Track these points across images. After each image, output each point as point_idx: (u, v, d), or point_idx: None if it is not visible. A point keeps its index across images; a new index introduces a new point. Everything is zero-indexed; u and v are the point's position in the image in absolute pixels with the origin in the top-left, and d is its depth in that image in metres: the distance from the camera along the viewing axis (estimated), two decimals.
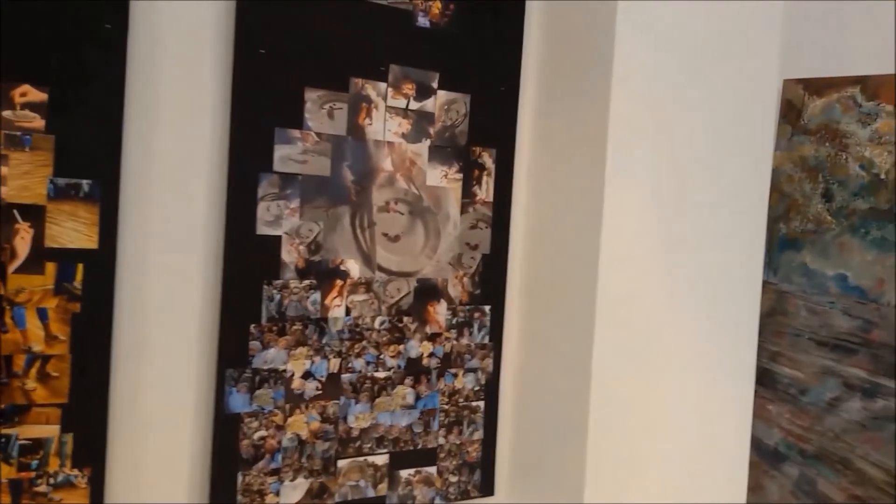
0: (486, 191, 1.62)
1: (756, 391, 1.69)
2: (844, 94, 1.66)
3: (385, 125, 1.51)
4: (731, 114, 1.61)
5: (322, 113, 1.44)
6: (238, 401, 1.38)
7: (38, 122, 1.21)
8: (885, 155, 1.60)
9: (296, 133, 1.41)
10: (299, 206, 1.42)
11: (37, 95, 1.21)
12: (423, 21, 1.53)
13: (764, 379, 1.74)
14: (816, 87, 1.69)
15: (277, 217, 1.39)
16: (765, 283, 1.69)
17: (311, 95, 1.43)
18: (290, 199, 1.41)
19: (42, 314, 1.22)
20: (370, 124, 1.49)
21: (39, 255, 1.22)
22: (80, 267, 1.24)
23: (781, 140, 1.73)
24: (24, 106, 1.20)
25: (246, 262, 1.37)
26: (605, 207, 1.48)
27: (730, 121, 1.60)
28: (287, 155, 1.40)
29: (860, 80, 1.65)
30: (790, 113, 1.73)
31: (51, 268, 1.23)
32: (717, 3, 1.58)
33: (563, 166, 1.58)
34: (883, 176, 1.60)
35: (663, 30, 1.53)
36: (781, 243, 1.72)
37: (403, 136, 1.53)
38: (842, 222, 1.65)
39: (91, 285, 1.25)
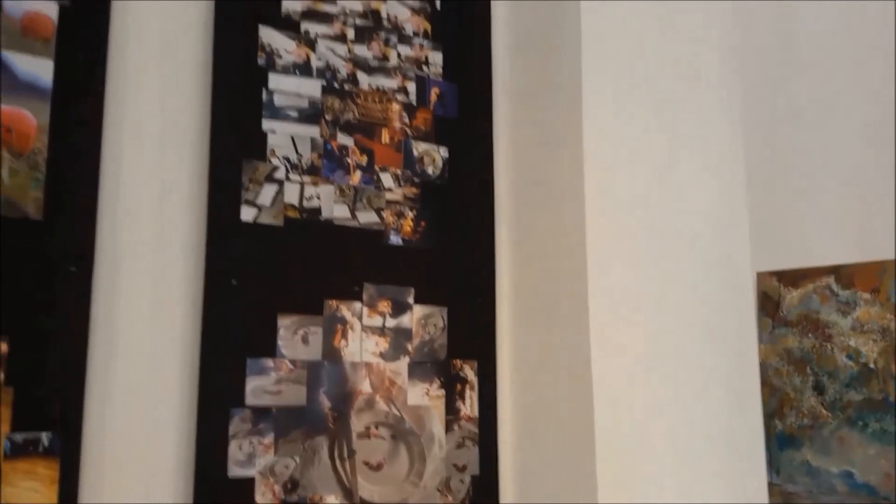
0: (470, 406, 1.55)
1: None
2: (820, 284, 1.66)
3: (362, 345, 1.46)
4: (711, 313, 1.59)
5: (296, 339, 1.39)
6: None
7: None
8: (870, 343, 1.58)
9: (269, 362, 1.36)
10: (273, 441, 1.33)
11: None
12: (395, 239, 1.53)
13: None
14: (791, 278, 1.70)
15: (250, 456, 1.31)
16: (769, 485, 1.61)
17: (285, 322, 1.39)
18: (263, 435, 1.33)
19: None
20: (346, 346, 1.44)
21: None
22: None
23: (763, 333, 1.71)
24: None
25: None
26: (595, 417, 1.42)
27: (711, 321, 1.59)
28: (260, 386, 1.34)
29: (833, 270, 1.65)
30: (768, 305, 1.72)
31: None
32: (682, 200, 1.61)
33: (547, 377, 1.53)
34: (872, 365, 1.57)
35: (632, 245, 1.54)
36: (780, 441, 1.66)
37: (381, 355, 1.48)
38: (838, 415, 1.60)
39: None
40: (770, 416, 1.67)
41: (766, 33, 1.87)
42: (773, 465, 1.65)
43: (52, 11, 1.25)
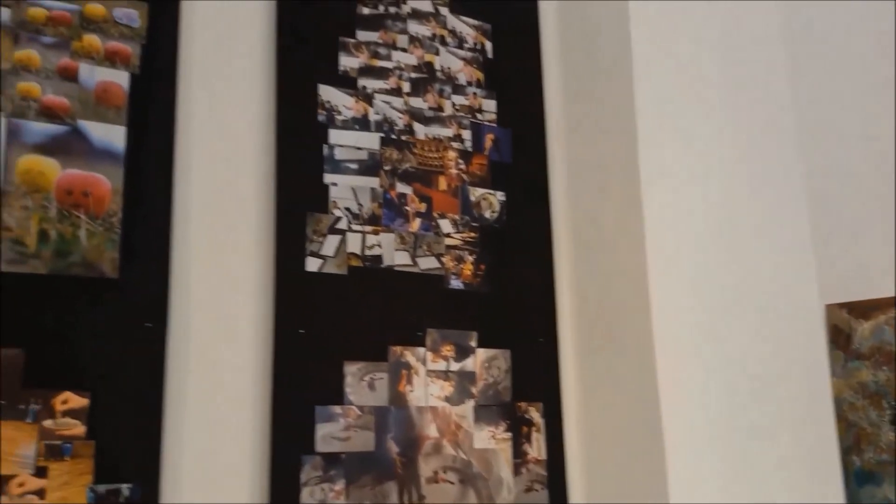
0: (537, 448, 1.55)
1: None
2: (891, 315, 1.62)
3: (427, 390, 1.48)
4: (781, 349, 1.57)
5: (362, 385, 1.42)
6: None
7: (79, 429, 1.19)
8: None
9: (337, 409, 1.38)
10: (344, 488, 1.35)
11: (78, 401, 1.20)
12: (455, 283, 1.55)
13: None
14: (861, 310, 1.66)
15: (322, 502, 1.33)
16: None
17: (351, 369, 1.41)
18: (334, 481, 1.35)
19: None
20: (412, 391, 1.46)
21: None
22: None
23: (836, 367, 1.66)
24: (66, 413, 1.19)
25: None
26: (667, 458, 1.40)
27: (781, 356, 1.56)
28: (329, 433, 1.36)
29: None
30: (839, 338, 1.68)
31: None
32: (745, 238, 1.60)
33: (614, 416, 1.52)
34: None
35: (696, 284, 1.53)
36: (858, 477, 1.61)
37: (446, 399, 1.49)
38: None
39: None
40: (847, 451, 1.62)
41: (825, 52, 1.84)
42: (852, 501, 1.60)
43: (123, 80, 1.32)
